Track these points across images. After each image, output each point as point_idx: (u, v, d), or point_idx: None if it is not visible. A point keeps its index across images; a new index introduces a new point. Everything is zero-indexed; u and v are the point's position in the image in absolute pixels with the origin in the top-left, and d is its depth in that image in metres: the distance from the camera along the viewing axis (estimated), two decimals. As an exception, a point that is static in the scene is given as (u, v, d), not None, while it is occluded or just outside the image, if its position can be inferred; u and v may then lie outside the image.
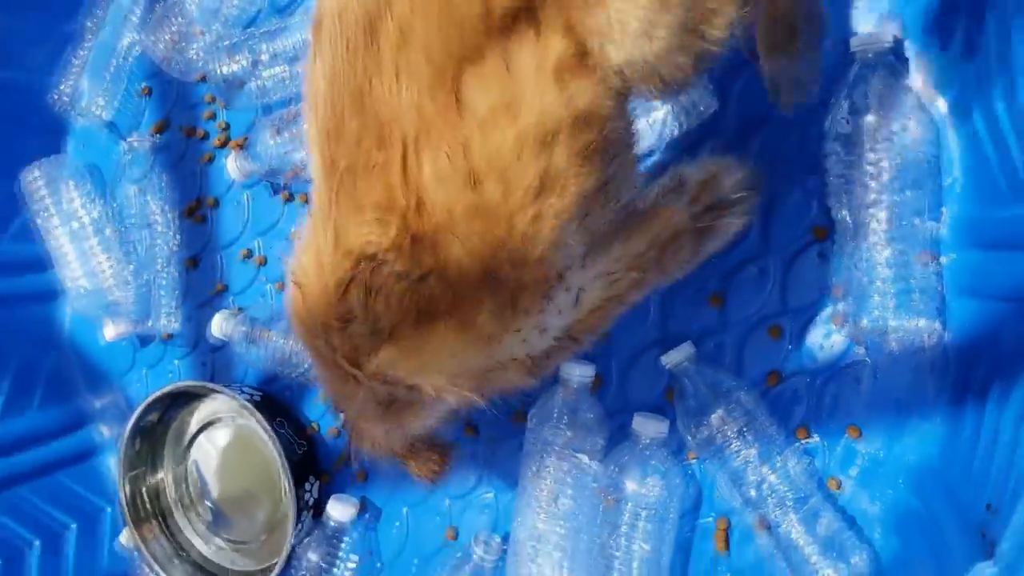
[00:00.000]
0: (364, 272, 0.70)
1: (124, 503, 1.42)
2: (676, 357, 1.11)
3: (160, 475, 1.46)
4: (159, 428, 1.45)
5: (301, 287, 0.75)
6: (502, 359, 0.76)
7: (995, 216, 0.92)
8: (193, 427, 1.46)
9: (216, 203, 1.48)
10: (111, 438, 1.62)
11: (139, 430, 1.41)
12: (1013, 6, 0.83)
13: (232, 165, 1.37)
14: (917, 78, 1.00)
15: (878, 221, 0.99)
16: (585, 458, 1.15)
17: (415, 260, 0.68)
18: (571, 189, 0.70)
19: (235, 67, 1.32)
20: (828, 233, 1.08)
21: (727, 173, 0.93)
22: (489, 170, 0.66)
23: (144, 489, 1.45)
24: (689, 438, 1.11)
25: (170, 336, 1.52)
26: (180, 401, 1.44)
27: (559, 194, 0.70)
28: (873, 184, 1.00)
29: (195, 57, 1.39)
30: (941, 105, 1.00)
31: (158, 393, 1.38)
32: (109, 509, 1.58)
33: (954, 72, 0.99)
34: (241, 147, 1.42)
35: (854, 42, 0.98)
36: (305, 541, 1.30)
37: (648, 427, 1.12)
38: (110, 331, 1.51)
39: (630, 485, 1.12)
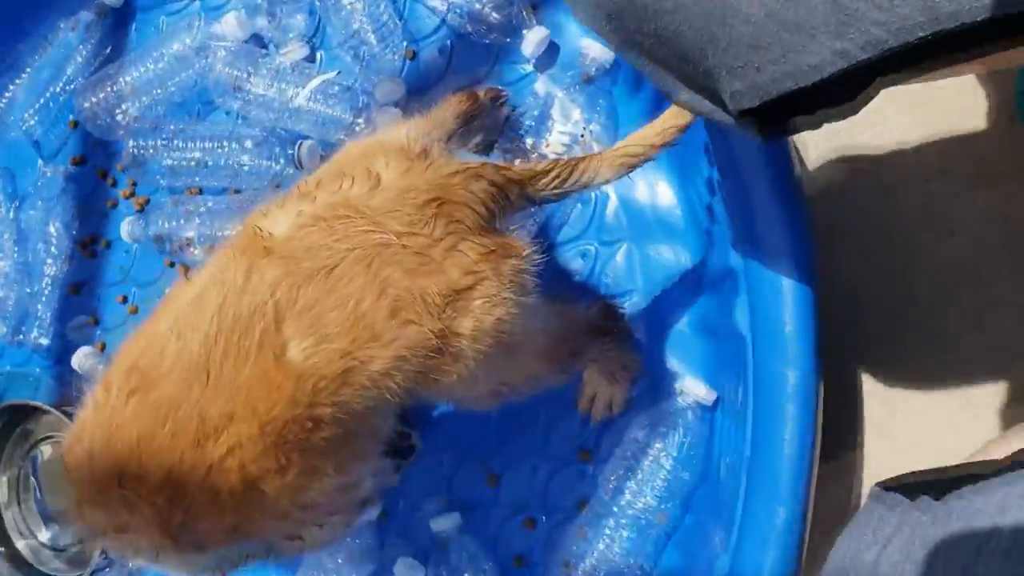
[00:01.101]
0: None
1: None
2: (442, 524, 1.29)
3: (-3, 475, 1.61)
4: (2, 433, 1.59)
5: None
6: None
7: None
8: (36, 436, 1.61)
9: (108, 245, 1.62)
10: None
11: (-18, 440, 1.56)
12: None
13: (125, 229, 1.52)
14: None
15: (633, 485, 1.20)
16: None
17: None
18: None
19: (149, 150, 1.46)
20: (591, 458, 1.27)
21: None
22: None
23: (-22, 485, 1.60)
24: (438, 592, 1.30)
25: (38, 346, 1.65)
26: (26, 411, 1.58)
27: None
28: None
29: (119, 123, 1.52)
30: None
31: (2, 404, 1.53)
32: (-54, 479, 1.71)
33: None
34: (142, 207, 1.57)
35: (685, 386, 1.19)
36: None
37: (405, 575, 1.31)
38: (-17, 329, 1.64)
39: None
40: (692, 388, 1.16)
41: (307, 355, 0.83)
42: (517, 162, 1.01)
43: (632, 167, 1.00)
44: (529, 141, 1.27)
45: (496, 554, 1.31)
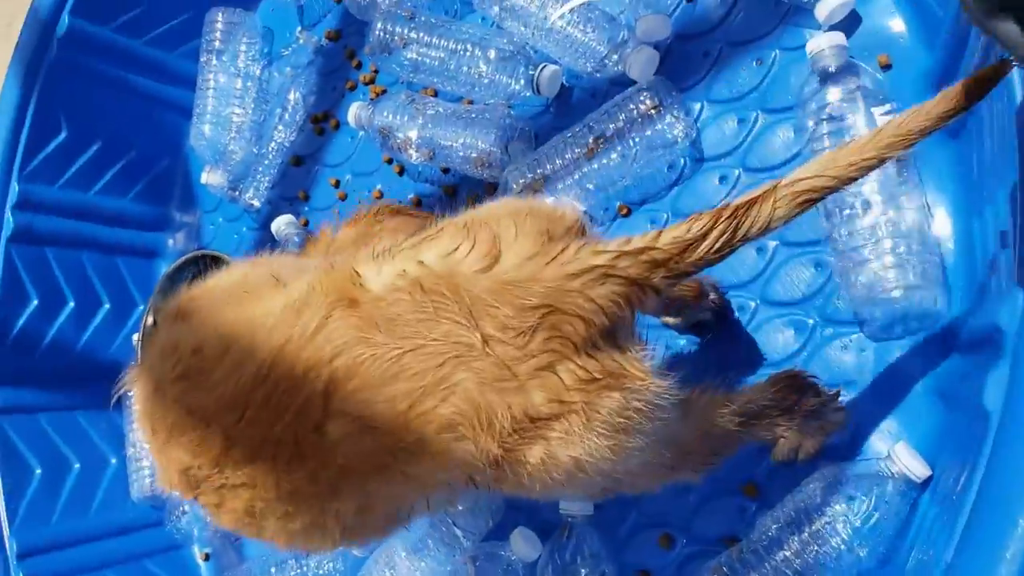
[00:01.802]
0: None
1: (144, 327, 1.61)
2: (573, 509, 1.16)
3: (178, 317, 1.65)
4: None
5: None
6: None
7: None
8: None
9: (337, 126, 1.60)
10: (175, 250, 1.81)
11: (176, 277, 1.59)
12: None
13: (352, 112, 1.48)
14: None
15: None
16: (459, 532, 1.25)
17: None
18: None
19: (397, 38, 1.40)
20: (757, 495, 1.09)
21: None
22: None
23: (165, 322, 1.65)
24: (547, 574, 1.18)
25: (250, 207, 1.67)
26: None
27: None
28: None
29: (378, 3, 1.47)
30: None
31: (198, 253, 1.57)
32: (141, 307, 1.79)
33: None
34: (377, 95, 1.52)
35: (895, 452, 0.97)
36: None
37: (520, 546, 1.19)
38: (206, 177, 1.68)
39: (474, 578, 1.22)
40: (903, 457, 0.95)
41: (343, 439, 0.74)
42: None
43: (816, 202, 0.75)
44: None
45: (619, 560, 1.17)
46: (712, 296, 1.12)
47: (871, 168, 0.75)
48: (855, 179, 0.75)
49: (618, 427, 0.74)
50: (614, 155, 1.21)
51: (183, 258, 1.65)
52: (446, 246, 0.76)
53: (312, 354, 0.74)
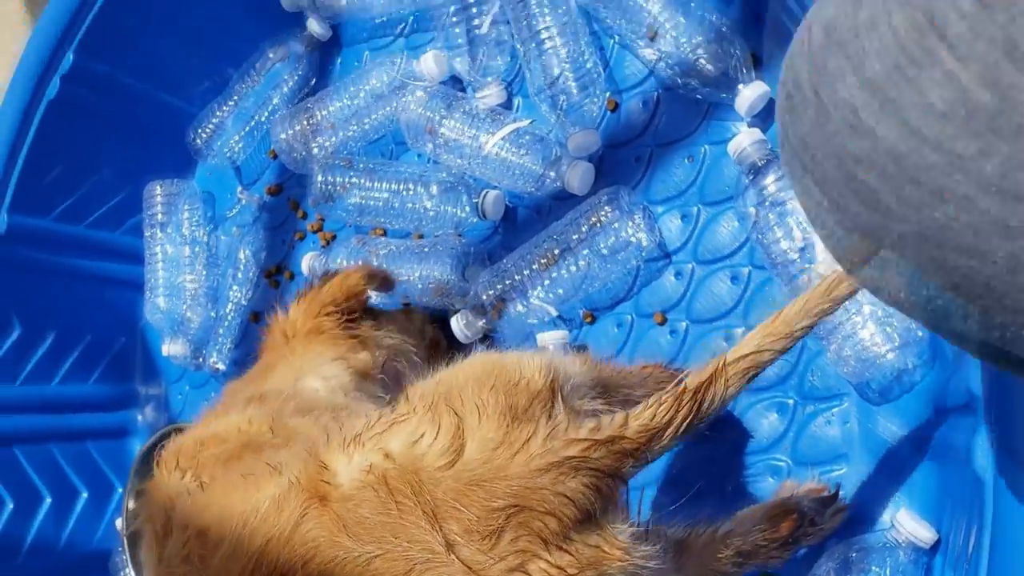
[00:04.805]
0: None
1: (126, 511, 1.58)
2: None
3: (158, 495, 1.61)
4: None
5: None
6: None
7: None
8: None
9: (292, 277, 1.61)
10: (145, 425, 1.79)
11: (151, 455, 1.56)
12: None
13: (306, 263, 1.49)
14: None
15: None
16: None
17: None
18: None
19: (338, 187, 1.42)
20: None
21: None
22: None
23: (144, 502, 1.61)
24: None
25: (216, 371, 1.66)
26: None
27: None
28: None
29: (314, 156, 1.50)
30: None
31: (171, 427, 1.54)
32: (120, 489, 1.75)
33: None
34: (328, 242, 1.54)
35: (899, 520, 0.98)
36: None
37: None
38: (167, 348, 1.67)
39: None
40: (907, 524, 0.96)
41: None
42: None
43: (762, 368, 0.82)
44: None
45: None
46: None
47: (807, 332, 0.81)
48: (791, 347, 0.81)
49: None
50: (581, 262, 1.23)
51: (156, 434, 1.63)
52: (411, 433, 0.75)
53: (288, 556, 0.73)
